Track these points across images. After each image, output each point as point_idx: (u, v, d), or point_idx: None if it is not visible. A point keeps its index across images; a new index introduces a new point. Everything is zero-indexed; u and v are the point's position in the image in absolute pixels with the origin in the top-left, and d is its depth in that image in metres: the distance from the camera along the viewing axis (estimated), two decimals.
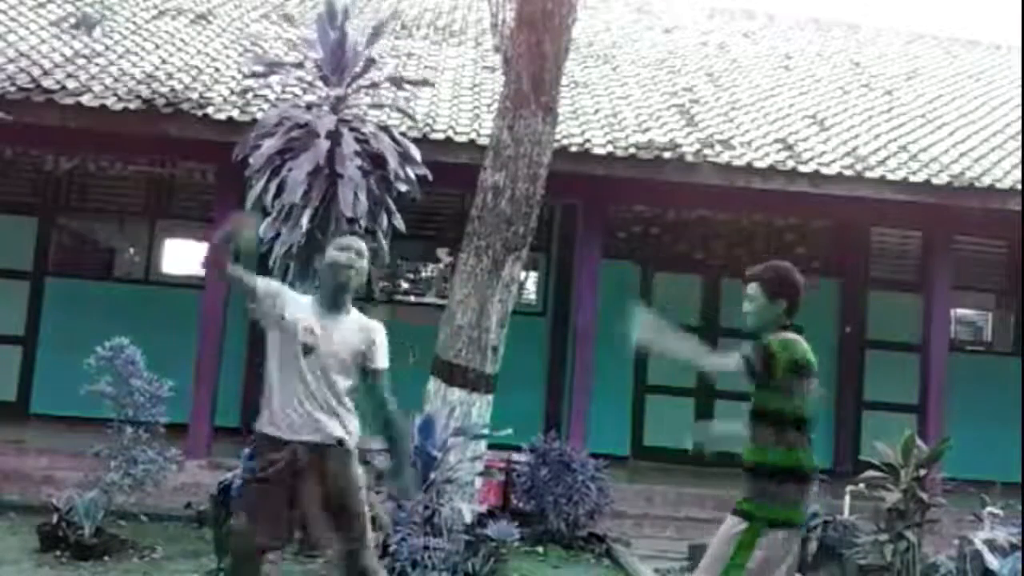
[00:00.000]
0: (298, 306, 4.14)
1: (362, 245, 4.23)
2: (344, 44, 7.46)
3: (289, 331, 4.07)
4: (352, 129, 7.36)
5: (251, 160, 7.22)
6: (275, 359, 4.11)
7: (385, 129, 7.66)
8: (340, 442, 4.10)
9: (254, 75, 8.42)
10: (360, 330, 4.18)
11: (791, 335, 4.04)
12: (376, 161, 7.32)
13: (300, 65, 7.78)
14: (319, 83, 7.77)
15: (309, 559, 6.22)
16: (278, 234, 7.11)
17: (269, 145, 7.16)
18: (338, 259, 4.15)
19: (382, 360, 4.20)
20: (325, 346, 4.08)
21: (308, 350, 4.04)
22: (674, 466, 10.29)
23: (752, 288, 4.14)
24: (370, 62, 7.63)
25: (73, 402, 7.09)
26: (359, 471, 4.22)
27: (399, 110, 8.10)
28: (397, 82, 7.95)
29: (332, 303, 4.15)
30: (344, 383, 4.12)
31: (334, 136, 7.16)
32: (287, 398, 4.05)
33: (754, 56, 13.45)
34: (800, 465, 3.99)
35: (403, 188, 7.39)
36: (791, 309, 4.09)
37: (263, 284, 4.18)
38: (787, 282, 4.12)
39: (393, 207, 7.47)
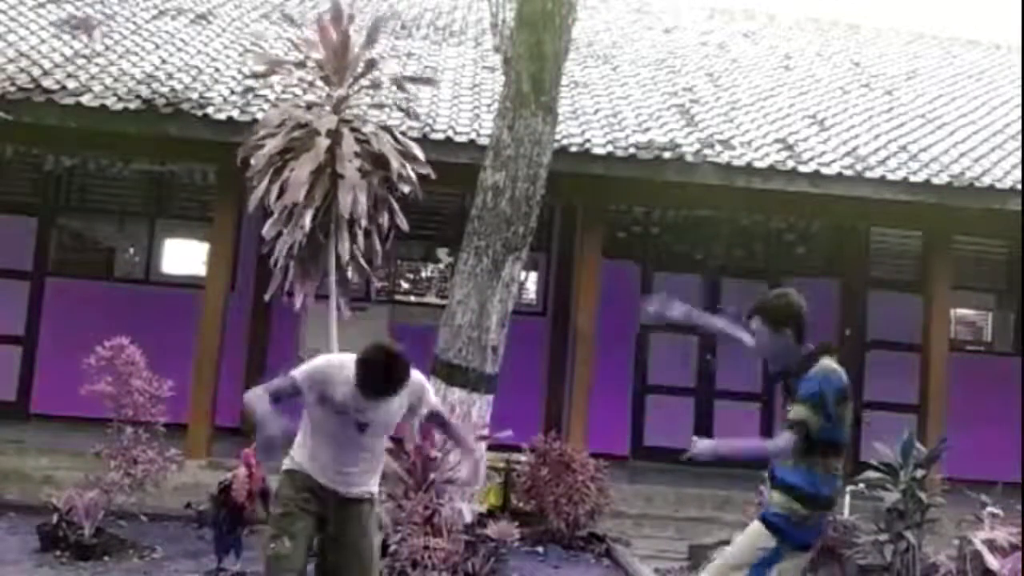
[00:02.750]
0: (345, 388, 4.00)
1: (406, 378, 4.00)
2: (346, 44, 7.46)
3: (342, 411, 4.03)
4: (353, 129, 7.35)
5: (252, 160, 7.22)
6: (323, 422, 4.08)
7: (386, 129, 7.66)
8: (371, 495, 4.24)
9: (255, 75, 8.42)
10: (407, 395, 4.12)
11: (822, 368, 3.95)
12: (377, 161, 7.31)
13: (301, 65, 7.78)
14: (320, 83, 7.77)
15: None
16: (280, 234, 7.11)
17: (271, 145, 7.16)
18: (382, 391, 3.97)
19: (430, 404, 4.31)
20: (377, 418, 4.08)
21: (363, 427, 4.07)
22: (674, 466, 10.22)
23: (755, 322, 4.14)
24: (371, 62, 7.63)
25: (73, 402, 7.10)
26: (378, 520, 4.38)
27: (400, 108, 8.10)
28: (399, 82, 7.94)
29: None
30: (386, 442, 4.26)
31: (335, 136, 7.15)
32: (334, 459, 4.10)
33: (754, 56, 13.45)
34: (834, 491, 4.06)
35: (406, 189, 7.38)
36: (799, 334, 4.06)
37: (304, 380, 4.06)
38: (787, 310, 4.11)
39: (396, 207, 7.47)
